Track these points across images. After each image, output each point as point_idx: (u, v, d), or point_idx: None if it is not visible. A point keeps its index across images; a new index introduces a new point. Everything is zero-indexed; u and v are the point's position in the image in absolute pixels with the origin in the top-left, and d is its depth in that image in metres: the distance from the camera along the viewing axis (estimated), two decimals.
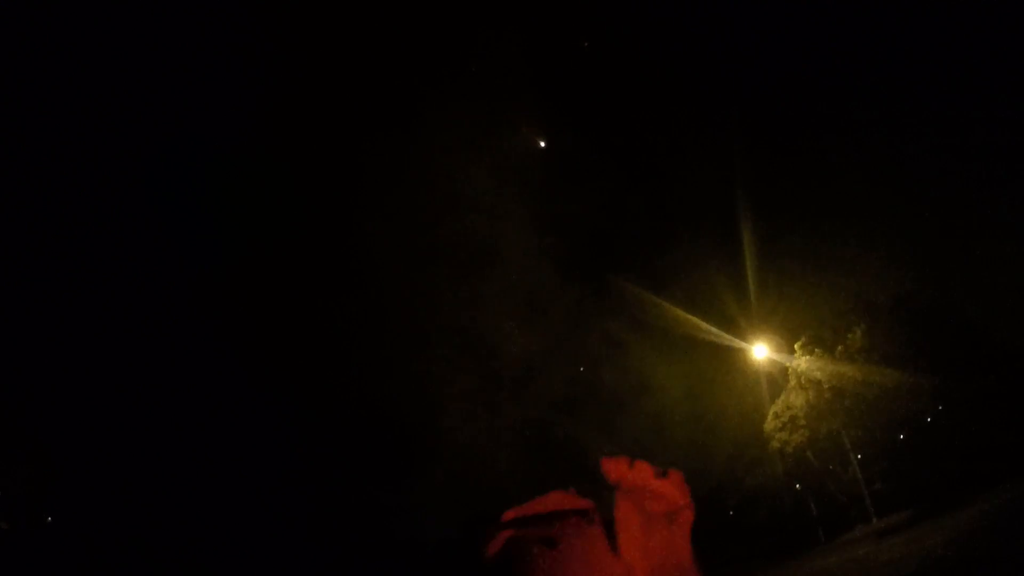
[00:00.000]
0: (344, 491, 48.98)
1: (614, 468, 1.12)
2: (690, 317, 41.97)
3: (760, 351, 39.99)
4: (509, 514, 1.20)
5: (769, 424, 39.12)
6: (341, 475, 49.30)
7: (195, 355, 49.30)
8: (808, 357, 37.32)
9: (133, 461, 40.96)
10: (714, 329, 41.12)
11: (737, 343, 40.87)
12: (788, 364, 38.48)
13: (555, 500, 1.18)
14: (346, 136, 60.17)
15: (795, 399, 38.09)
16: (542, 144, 55.80)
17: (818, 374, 36.91)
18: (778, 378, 39.88)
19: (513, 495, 1.22)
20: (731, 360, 42.31)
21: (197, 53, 52.96)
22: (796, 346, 37.87)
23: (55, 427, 37.01)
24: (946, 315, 36.49)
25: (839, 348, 36.84)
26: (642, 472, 1.12)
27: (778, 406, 39.01)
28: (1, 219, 42.98)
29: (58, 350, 43.17)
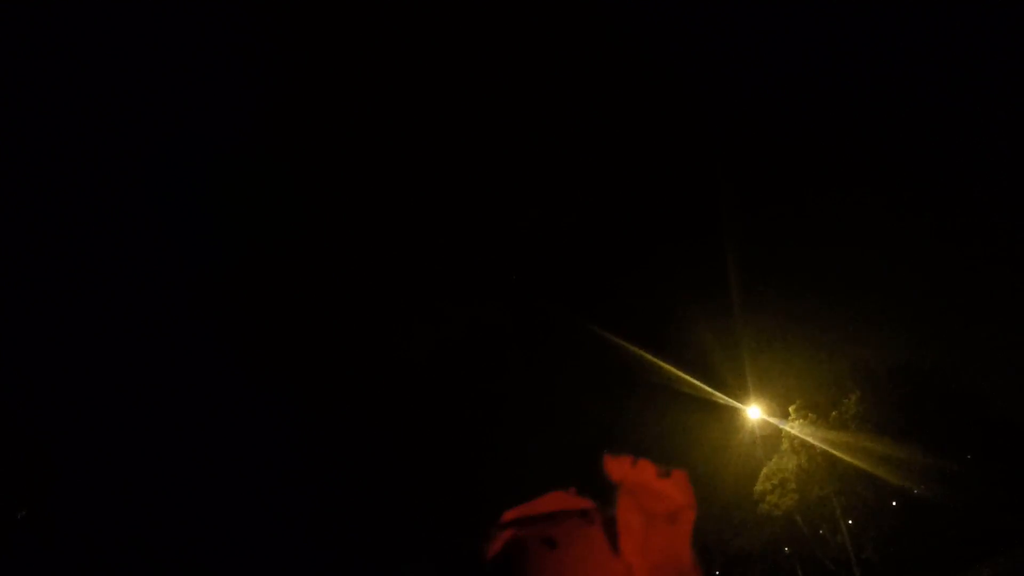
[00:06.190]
0: (344, 491, 48.54)
1: (616, 467, 1.13)
2: (683, 374, 41.74)
3: (754, 412, 39.70)
4: (509, 514, 1.20)
5: (760, 486, 38.73)
6: (341, 475, 48.83)
7: (195, 355, 49.17)
8: (801, 421, 37.07)
9: (133, 461, 40.64)
10: (707, 387, 40.85)
11: (732, 403, 40.58)
12: (781, 427, 38.20)
13: (555, 500, 1.19)
14: (345, 137, 60.55)
15: (786, 462, 37.76)
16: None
17: (811, 438, 36.65)
18: (772, 440, 39.57)
19: (513, 495, 1.23)
20: (725, 419, 41.99)
21: (197, 53, 53.49)
22: (790, 409, 37.64)
23: (55, 427, 36.74)
24: (944, 386, 36.40)
25: (833, 414, 36.66)
26: (644, 472, 1.13)
27: (770, 469, 38.66)
28: (1, 219, 43.06)
29: (58, 350, 43.03)
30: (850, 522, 36.91)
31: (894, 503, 36.39)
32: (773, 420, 38.91)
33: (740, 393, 40.12)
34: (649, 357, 42.64)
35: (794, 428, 37.26)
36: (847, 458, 35.64)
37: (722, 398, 40.63)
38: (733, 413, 40.94)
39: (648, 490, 1.14)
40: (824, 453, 36.24)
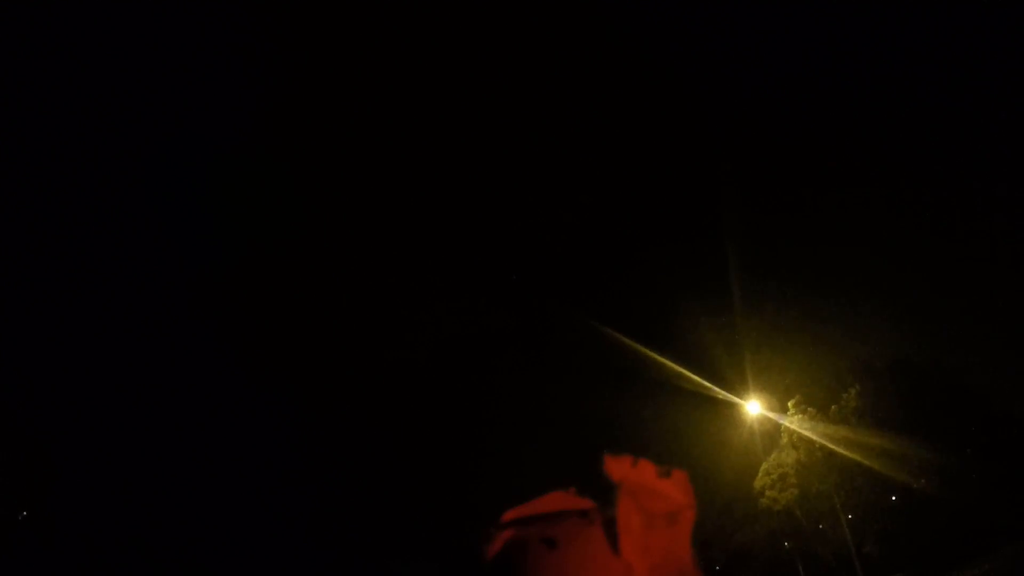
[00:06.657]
0: (344, 491, 48.62)
1: (616, 467, 1.13)
2: (683, 370, 41.67)
3: (753, 407, 39.66)
4: (509, 514, 1.20)
5: (760, 481, 38.73)
6: (341, 475, 48.90)
7: (195, 355, 49.21)
8: (801, 416, 37.06)
9: (132, 461, 40.72)
10: (707, 383, 40.77)
11: (731, 398, 40.51)
12: (781, 422, 38.18)
13: (555, 500, 1.19)
14: (344, 137, 60.54)
15: (786, 457, 37.76)
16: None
17: (810, 433, 36.64)
18: (772, 435, 39.56)
19: (513, 495, 1.22)
20: (724, 415, 41.95)
21: (197, 53, 53.42)
22: (790, 404, 37.63)
23: (55, 427, 36.82)
24: (942, 380, 36.41)
25: (832, 408, 36.65)
26: (644, 472, 1.13)
27: (769, 463, 38.66)
28: (1, 219, 43.07)
29: (59, 350, 43.07)
30: (850, 516, 36.93)
31: (894, 498, 36.40)
32: (772, 415, 38.90)
33: (740, 388, 40.10)
34: (649, 354, 42.63)
35: (793, 423, 37.25)
36: (847, 453, 35.63)
37: (722, 393, 40.59)
38: (733, 408, 40.92)
39: (648, 490, 1.14)
40: (824, 448, 36.23)
